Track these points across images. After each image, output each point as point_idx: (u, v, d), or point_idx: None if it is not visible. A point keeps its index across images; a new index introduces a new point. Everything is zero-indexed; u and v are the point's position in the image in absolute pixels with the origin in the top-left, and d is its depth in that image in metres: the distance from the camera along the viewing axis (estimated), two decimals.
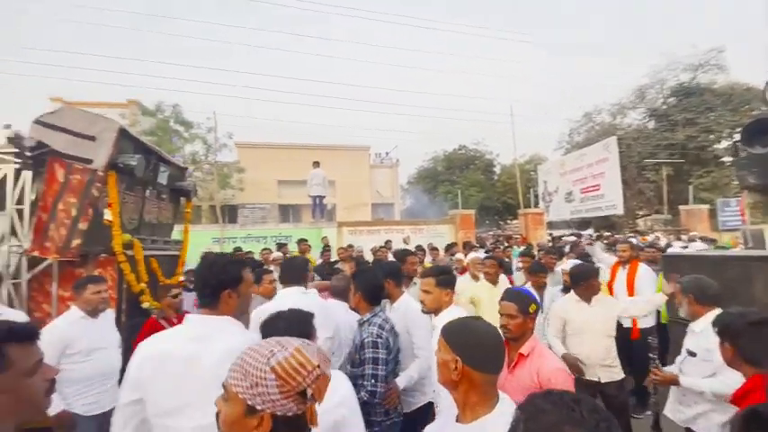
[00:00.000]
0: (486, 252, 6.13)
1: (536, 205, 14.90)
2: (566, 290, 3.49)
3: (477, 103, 48.73)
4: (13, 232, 2.99)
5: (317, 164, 10.92)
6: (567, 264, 4.05)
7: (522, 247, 7.48)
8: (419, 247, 7.21)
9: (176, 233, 4.73)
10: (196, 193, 4.95)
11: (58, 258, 2.95)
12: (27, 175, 3.04)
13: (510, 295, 1.95)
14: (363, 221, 12.78)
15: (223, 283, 1.41)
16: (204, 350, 1.30)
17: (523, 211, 13.63)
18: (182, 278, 4.30)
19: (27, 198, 3.03)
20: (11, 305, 2.82)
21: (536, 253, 5.56)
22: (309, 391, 0.79)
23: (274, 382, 0.78)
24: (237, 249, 7.50)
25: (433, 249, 7.17)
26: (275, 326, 1.45)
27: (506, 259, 6.15)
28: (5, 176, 3.02)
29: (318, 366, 0.82)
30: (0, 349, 0.96)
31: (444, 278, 2.18)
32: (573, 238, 9.25)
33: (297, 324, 1.47)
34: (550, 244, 8.52)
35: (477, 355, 1.17)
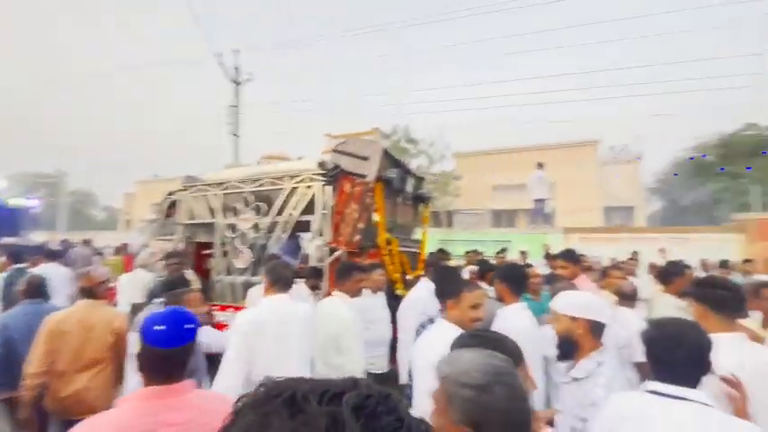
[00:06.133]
0: None
1: None
2: None
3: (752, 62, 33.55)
4: (321, 231, 4.24)
5: (540, 165, 10.39)
6: None
7: None
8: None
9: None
10: (432, 199, 5.64)
11: (346, 249, 3.99)
12: (328, 189, 4.26)
13: None
14: (601, 227, 11.20)
15: None
16: None
17: None
18: (421, 273, 4.98)
19: (328, 206, 4.24)
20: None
21: None
22: None
23: None
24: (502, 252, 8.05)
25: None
26: None
27: None
28: (315, 192, 4.32)
29: None
30: None
31: None
32: None
33: None
34: None
35: None
